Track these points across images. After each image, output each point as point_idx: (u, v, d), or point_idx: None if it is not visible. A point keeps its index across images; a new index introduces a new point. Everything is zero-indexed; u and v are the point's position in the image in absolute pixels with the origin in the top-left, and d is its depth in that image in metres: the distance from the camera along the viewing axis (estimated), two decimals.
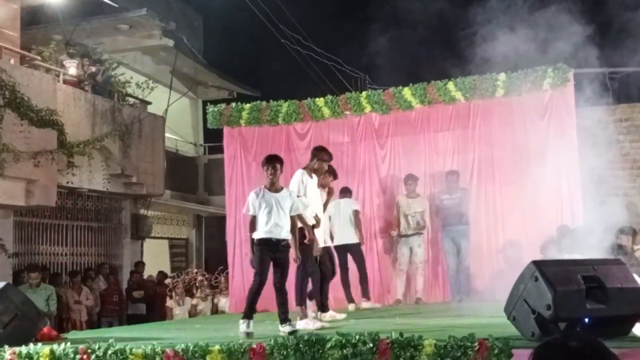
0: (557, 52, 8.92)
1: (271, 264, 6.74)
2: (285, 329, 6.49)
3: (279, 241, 6.74)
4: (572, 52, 8.67)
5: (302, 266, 7.30)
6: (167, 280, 14.22)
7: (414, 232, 10.23)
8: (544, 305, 4.65)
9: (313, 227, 7.34)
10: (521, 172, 9.99)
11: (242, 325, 6.53)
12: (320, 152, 7.69)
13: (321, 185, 8.38)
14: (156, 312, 13.36)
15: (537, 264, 4.89)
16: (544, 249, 8.58)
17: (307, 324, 6.97)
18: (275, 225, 6.70)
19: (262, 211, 6.71)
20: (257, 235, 6.72)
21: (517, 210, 10.03)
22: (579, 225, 9.08)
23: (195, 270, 15.40)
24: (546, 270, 4.78)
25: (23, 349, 5.51)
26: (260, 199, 6.75)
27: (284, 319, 6.67)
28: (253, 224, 6.77)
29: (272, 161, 6.92)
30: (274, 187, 6.86)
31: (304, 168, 7.53)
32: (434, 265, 10.49)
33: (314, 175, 7.55)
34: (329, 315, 7.84)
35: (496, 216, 10.22)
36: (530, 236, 9.80)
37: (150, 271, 14.73)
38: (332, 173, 8.68)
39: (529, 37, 8.53)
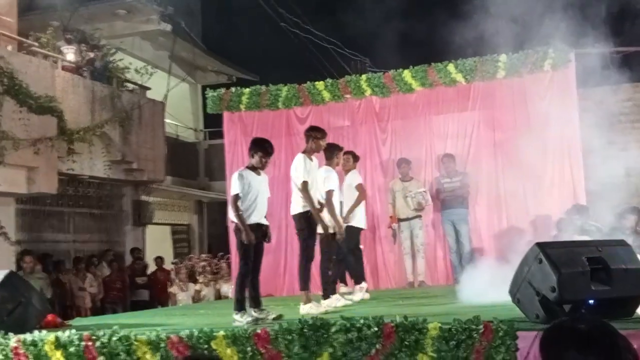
0: (559, 32, 8.86)
1: None
2: (239, 318, 6.40)
3: (261, 226, 6.72)
4: (574, 32, 8.61)
5: (304, 251, 7.30)
6: (171, 267, 14.24)
7: (414, 215, 10.22)
8: (549, 287, 4.64)
9: (318, 211, 7.33)
10: (523, 153, 9.95)
11: (243, 317, 6.37)
12: (312, 132, 7.65)
13: (346, 170, 8.77)
14: (156, 297, 13.42)
15: (540, 246, 4.88)
16: (562, 227, 8.45)
17: (311, 308, 6.97)
18: (261, 210, 6.69)
19: (248, 194, 6.62)
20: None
21: (519, 192, 10.01)
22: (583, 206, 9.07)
23: (197, 256, 15.43)
24: (550, 252, 4.77)
25: (28, 336, 5.52)
26: (248, 181, 6.64)
27: (257, 305, 6.62)
28: (237, 205, 6.62)
29: (272, 152, 6.87)
30: (257, 171, 6.80)
31: (303, 152, 7.49)
32: (435, 249, 10.49)
33: (314, 158, 7.52)
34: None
35: (498, 198, 10.20)
36: (533, 218, 9.80)
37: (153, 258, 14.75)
38: (353, 156, 9.01)
39: (530, 16, 8.47)
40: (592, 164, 9.56)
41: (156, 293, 13.54)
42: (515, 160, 9.97)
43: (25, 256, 10.81)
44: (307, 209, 7.23)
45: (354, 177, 8.89)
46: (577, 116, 9.80)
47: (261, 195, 6.71)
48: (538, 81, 10.12)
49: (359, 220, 8.76)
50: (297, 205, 7.32)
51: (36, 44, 12.54)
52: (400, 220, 10.34)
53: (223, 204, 14.15)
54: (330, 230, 7.73)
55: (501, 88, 10.31)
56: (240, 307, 6.46)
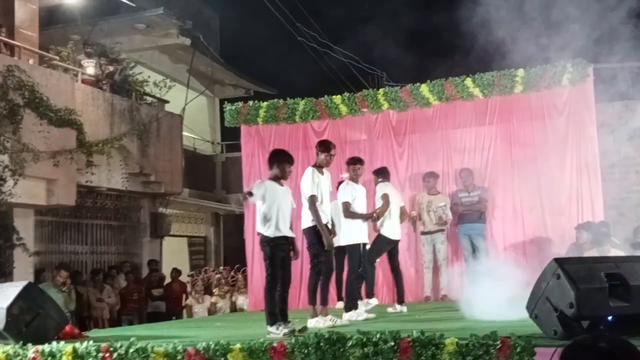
0: (577, 47, 8.83)
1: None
2: (274, 330, 6.33)
3: (287, 239, 6.64)
4: (592, 47, 8.59)
5: (315, 265, 7.30)
6: (187, 279, 14.29)
7: (436, 229, 10.21)
8: (567, 303, 4.60)
9: (326, 225, 7.33)
10: (540, 168, 9.94)
11: (279, 329, 6.25)
12: (317, 146, 7.69)
13: (375, 184, 9.00)
14: (172, 309, 13.45)
15: (558, 261, 4.85)
16: (601, 241, 8.26)
17: (318, 322, 7.00)
18: (284, 222, 6.59)
19: (272, 206, 6.54)
20: (268, 232, 6.53)
21: (537, 207, 9.97)
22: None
23: (213, 268, 15.46)
24: (568, 268, 4.74)
25: (46, 347, 5.55)
26: (272, 192, 6.61)
27: (283, 319, 6.50)
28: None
29: (292, 161, 6.91)
30: (279, 182, 6.77)
31: (313, 165, 7.52)
32: (453, 263, 10.43)
33: (325, 172, 7.53)
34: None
35: (515, 213, 10.15)
36: (550, 234, 9.75)
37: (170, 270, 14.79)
38: (377, 173, 9.23)
39: (547, 31, 8.45)
40: (610, 179, 9.50)
41: (172, 305, 13.58)
42: (533, 175, 9.94)
43: (61, 270, 10.93)
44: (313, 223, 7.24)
45: (380, 189, 8.93)
46: (595, 131, 9.77)
47: (283, 206, 6.64)
48: (556, 96, 10.10)
49: (388, 230, 8.76)
50: (307, 220, 7.34)
51: (57, 57, 12.70)
52: (423, 233, 10.35)
53: (239, 217, 14.20)
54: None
55: (519, 102, 10.29)
56: (274, 320, 6.37)
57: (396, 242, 9.07)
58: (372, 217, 8.09)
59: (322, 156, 7.51)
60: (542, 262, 5.27)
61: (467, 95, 10.49)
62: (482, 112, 10.52)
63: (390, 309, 8.68)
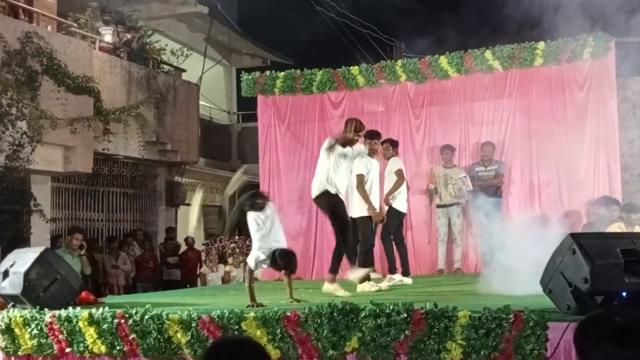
0: (599, 20, 8.69)
1: None
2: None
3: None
4: (615, 20, 8.44)
5: (341, 235, 7.30)
6: (202, 248, 14.39)
7: (452, 202, 10.16)
8: (581, 279, 4.57)
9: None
10: (559, 143, 9.85)
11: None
12: (348, 123, 7.48)
13: (387, 158, 8.96)
14: (186, 277, 13.58)
15: (574, 236, 4.80)
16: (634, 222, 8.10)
17: (336, 289, 7.03)
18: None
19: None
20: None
21: (554, 182, 9.89)
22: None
23: (227, 238, 15.55)
24: (584, 243, 4.70)
25: (62, 313, 5.63)
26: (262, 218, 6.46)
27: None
28: None
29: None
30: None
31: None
32: (467, 236, 10.40)
33: (348, 147, 7.47)
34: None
35: (532, 188, 10.08)
36: (567, 209, 9.68)
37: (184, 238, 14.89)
38: (391, 143, 9.15)
39: (571, 3, 8.31)
40: (628, 155, 9.40)
41: (186, 273, 13.70)
42: (551, 149, 9.85)
43: (75, 233, 11.04)
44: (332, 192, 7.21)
45: (394, 164, 8.90)
46: (616, 106, 9.64)
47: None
48: (577, 70, 9.95)
49: (399, 203, 8.76)
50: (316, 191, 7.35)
51: (75, 24, 12.70)
52: (438, 206, 10.32)
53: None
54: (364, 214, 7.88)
55: (538, 76, 10.16)
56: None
57: (405, 215, 9.08)
58: (374, 210, 8.01)
59: (351, 135, 7.31)
60: (557, 237, 5.22)
61: (487, 67, 10.36)
62: (501, 85, 10.39)
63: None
